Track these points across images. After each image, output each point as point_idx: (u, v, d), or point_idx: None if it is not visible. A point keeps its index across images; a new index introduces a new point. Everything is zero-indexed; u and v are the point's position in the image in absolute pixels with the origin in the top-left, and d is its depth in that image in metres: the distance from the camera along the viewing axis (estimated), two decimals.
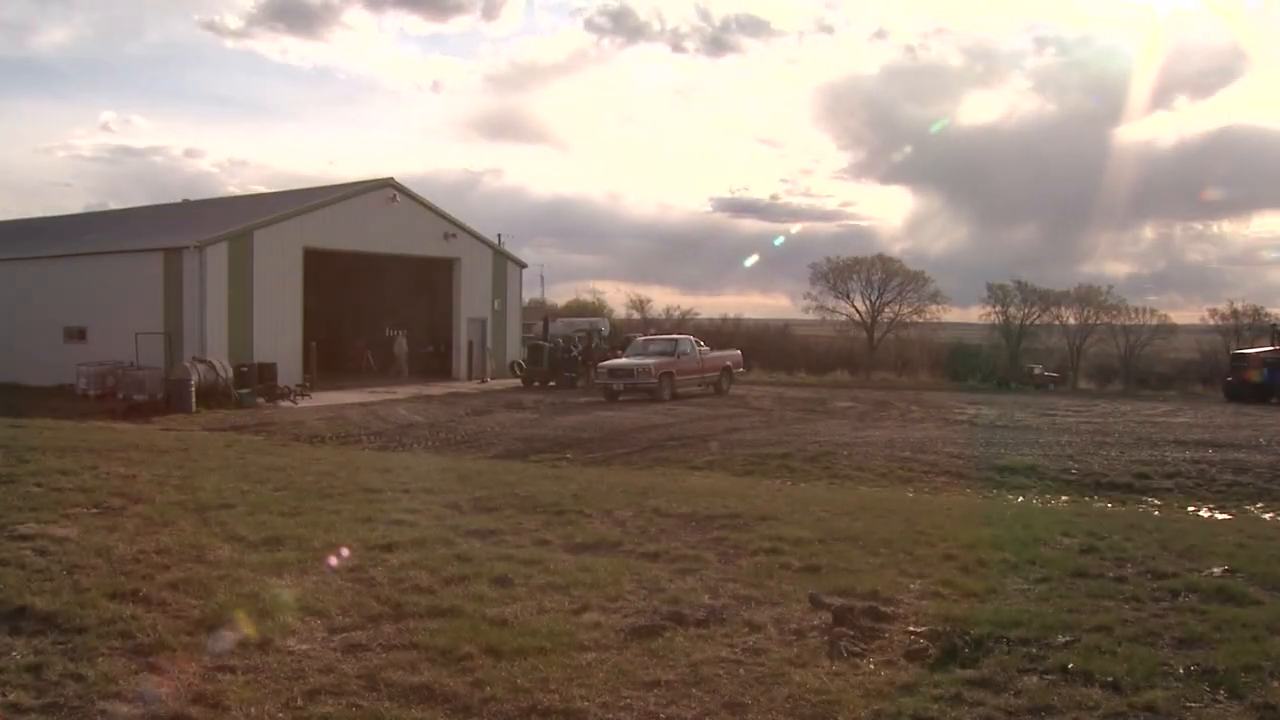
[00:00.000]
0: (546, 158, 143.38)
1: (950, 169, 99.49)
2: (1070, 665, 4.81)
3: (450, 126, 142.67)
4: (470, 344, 34.96)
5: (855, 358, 53.35)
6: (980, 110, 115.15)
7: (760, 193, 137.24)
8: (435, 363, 36.03)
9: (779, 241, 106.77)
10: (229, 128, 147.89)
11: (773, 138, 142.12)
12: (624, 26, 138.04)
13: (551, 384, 31.46)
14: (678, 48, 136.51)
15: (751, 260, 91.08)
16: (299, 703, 4.35)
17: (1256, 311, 48.66)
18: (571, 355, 32.39)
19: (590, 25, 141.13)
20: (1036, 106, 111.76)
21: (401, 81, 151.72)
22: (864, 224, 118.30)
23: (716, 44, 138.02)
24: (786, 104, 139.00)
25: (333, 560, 6.90)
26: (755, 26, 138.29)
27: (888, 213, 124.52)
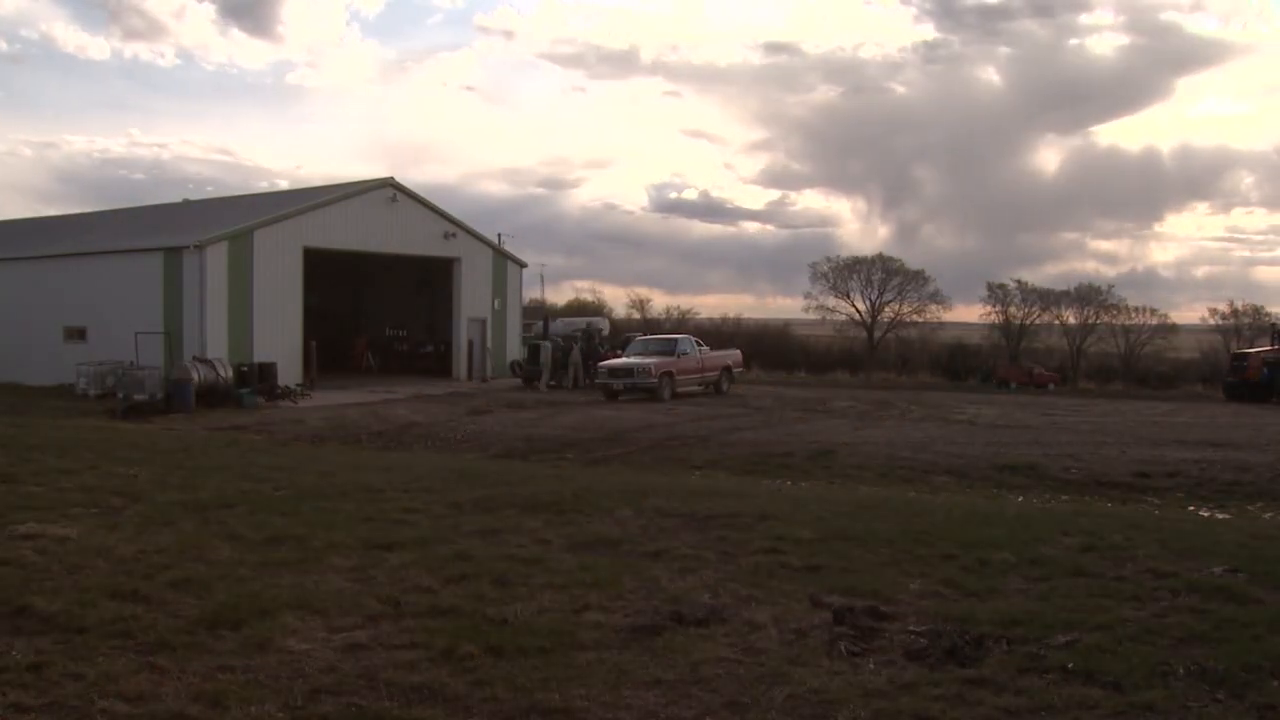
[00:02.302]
0: None
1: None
2: (1071, 665, 4.81)
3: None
4: (470, 344, 34.95)
5: (855, 357, 53.39)
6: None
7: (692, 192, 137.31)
8: (435, 363, 36.04)
9: None
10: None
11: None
12: None
13: (551, 384, 31.49)
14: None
15: None
16: (299, 702, 4.34)
17: (1257, 311, 48.82)
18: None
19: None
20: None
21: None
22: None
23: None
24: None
25: (333, 559, 6.90)
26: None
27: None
